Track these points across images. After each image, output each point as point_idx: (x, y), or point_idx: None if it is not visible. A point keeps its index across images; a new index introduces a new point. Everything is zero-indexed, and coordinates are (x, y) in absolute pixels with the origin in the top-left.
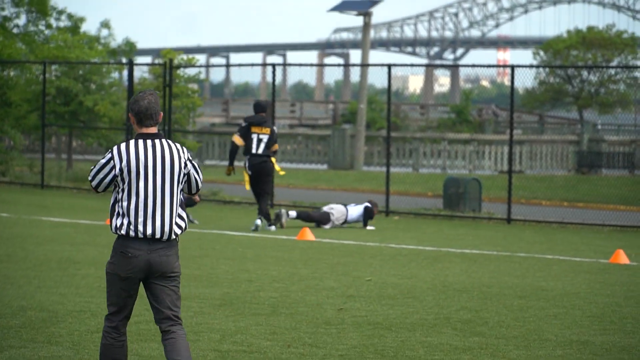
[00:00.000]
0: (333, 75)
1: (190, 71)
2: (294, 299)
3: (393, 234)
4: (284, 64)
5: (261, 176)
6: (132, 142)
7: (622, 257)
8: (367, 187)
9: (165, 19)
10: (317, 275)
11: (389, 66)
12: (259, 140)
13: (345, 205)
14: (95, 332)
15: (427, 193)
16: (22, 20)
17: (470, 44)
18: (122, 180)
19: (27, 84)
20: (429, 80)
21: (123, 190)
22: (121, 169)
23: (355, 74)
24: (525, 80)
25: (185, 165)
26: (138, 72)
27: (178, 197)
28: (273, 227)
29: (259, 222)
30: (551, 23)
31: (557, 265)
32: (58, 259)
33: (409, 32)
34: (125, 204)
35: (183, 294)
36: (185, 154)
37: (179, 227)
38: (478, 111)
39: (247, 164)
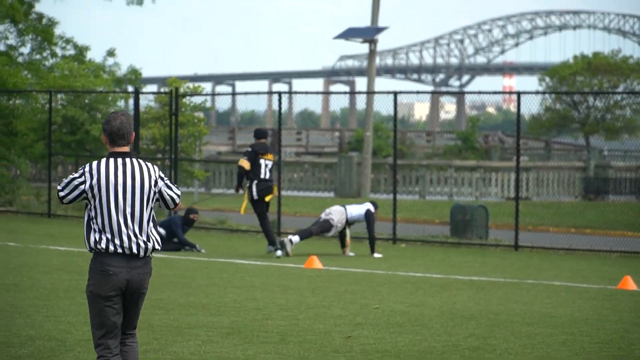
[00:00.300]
0: (339, 102)
1: (196, 99)
2: (302, 327)
3: (400, 261)
4: (290, 92)
5: (266, 198)
6: (103, 160)
7: (630, 284)
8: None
9: (170, 47)
10: (325, 303)
11: (395, 93)
12: (266, 166)
13: (343, 205)
14: None
15: (434, 220)
16: (27, 48)
17: (476, 70)
18: (93, 196)
19: (33, 112)
20: (435, 107)
21: (95, 208)
22: (91, 186)
23: (361, 102)
24: (531, 106)
25: (156, 183)
26: (144, 101)
27: (150, 214)
28: (279, 252)
29: (279, 252)
30: (557, 49)
31: (564, 292)
32: (66, 288)
33: (414, 59)
34: (99, 220)
35: (191, 323)
36: (156, 172)
37: (154, 245)
38: (484, 138)
39: (255, 189)
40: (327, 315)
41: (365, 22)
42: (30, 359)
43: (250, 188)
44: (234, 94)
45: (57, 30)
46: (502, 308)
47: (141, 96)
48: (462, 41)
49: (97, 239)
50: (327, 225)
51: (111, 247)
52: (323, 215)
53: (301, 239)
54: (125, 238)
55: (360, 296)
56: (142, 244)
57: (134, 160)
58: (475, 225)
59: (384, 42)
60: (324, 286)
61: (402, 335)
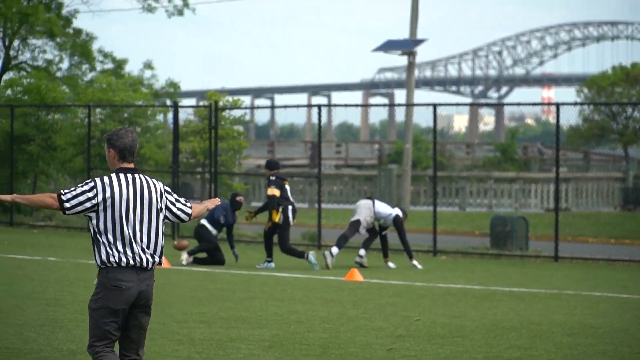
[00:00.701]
0: (378, 115)
1: (236, 113)
2: (343, 339)
3: (441, 273)
4: (329, 105)
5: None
6: (114, 175)
7: None
8: (414, 227)
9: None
10: (366, 315)
11: (435, 105)
12: (286, 191)
13: (371, 198)
14: None
15: (474, 232)
16: (65, 63)
17: (515, 82)
18: (104, 209)
19: (72, 127)
20: (474, 119)
21: (105, 222)
22: (104, 199)
23: (400, 114)
24: (570, 117)
25: (162, 196)
26: (183, 114)
27: (159, 227)
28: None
29: (312, 257)
30: (594, 60)
31: (604, 303)
32: None
33: (453, 71)
34: (110, 234)
35: (232, 336)
36: (161, 186)
37: (160, 258)
38: (523, 149)
39: (291, 214)
40: (369, 327)
41: (403, 34)
42: None
43: (285, 212)
44: (273, 107)
45: (96, 45)
46: (543, 319)
47: (180, 110)
48: (500, 53)
49: (108, 253)
50: (356, 225)
51: (124, 260)
52: (352, 219)
53: (339, 248)
54: (137, 250)
55: (401, 308)
56: (150, 257)
57: (141, 175)
58: (516, 237)
59: (422, 54)
60: (364, 298)
61: (444, 347)
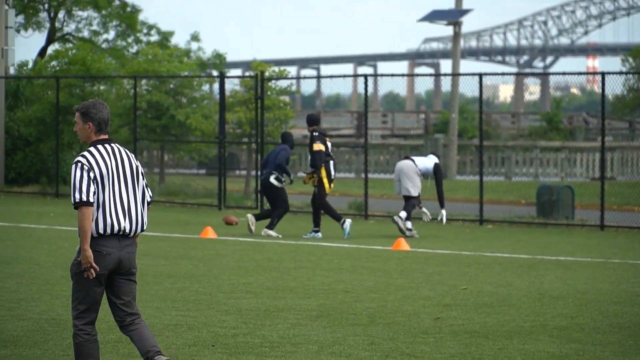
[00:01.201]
0: (424, 85)
1: (282, 83)
2: (390, 308)
3: (487, 242)
4: (375, 75)
5: None
6: (93, 149)
7: None
8: (460, 196)
9: (255, 31)
10: (413, 284)
11: (481, 75)
12: (328, 147)
13: (409, 158)
14: (193, 346)
15: (520, 201)
16: (110, 35)
17: (560, 51)
18: (94, 182)
19: (118, 98)
20: (519, 89)
21: (97, 194)
22: (100, 175)
23: (446, 84)
24: (615, 87)
25: (137, 167)
26: (229, 85)
27: (141, 195)
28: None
29: (347, 225)
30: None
31: None
32: (153, 273)
33: (498, 41)
34: (100, 206)
35: (279, 306)
36: (136, 159)
37: (143, 225)
38: (569, 119)
39: (332, 169)
40: (416, 296)
41: (449, 4)
42: (119, 344)
43: (328, 168)
44: (319, 77)
45: (141, 17)
46: (589, 287)
47: (226, 80)
48: (545, 23)
49: (97, 222)
50: (411, 199)
51: (108, 230)
52: (403, 192)
53: (407, 216)
54: (121, 219)
55: (448, 277)
56: (132, 225)
57: (117, 145)
58: (562, 206)
59: (468, 24)
60: (411, 268)
61: (491, 316)
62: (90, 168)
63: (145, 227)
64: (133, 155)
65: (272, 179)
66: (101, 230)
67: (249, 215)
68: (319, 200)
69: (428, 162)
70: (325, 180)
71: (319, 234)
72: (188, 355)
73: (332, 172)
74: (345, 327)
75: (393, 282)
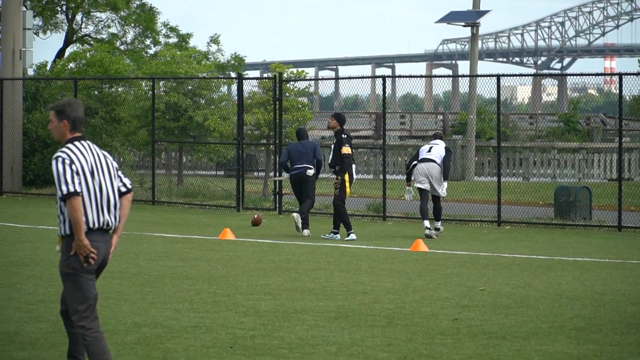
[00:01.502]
0: (442, 86)
1: (300, 84)
2: (409, 310)
3: (505, 243)
4: (394, 76)
5: None
6: (71, 145)
7: None
8: (478, 197)
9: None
10: (432, 286)
11: (498, 76)
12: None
13: (431, 160)
14: (211, 347)
15: (538, 202)
16: (129, 37)
17: (577, 52)
18: (78, 177)
19: (136, 100)
20: (537, 90)
21: (79, 184)
22: (78, 168)
23: (464, 85)
24: (632, 88)
25: (112, 162)
26: (247, 86)
27: (117, 189)
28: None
29: (353, 236)
30: None
31: None
32: (171, 275)
33: (516, 42)
34: (85, 201)
35: (298, 307)
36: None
37: (117, 219)
38: (586, 120)
39: (354, 174)
40: (434, 298)
41: (467, 5)
42: (137, 346)
43: (350, 172)
44: (337, 78)
45: (161, 19)
46: (607, 288)
47: (244, 82)
48: (563, 24)
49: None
50: (436, 199)
51: (96, 224)
52: (422, 186)
53: (437, 220)
54: (105, 214)
55: (466, 278)
56: (112, 219)
57: (90, 143)
58: (579, 207)
59: (485, 25)
60: (429, 269)
61: (509, 317)
62: (72, 162)
63: (117, 223)
64: (107, 153)
65: (309, 172)
66: (90, 224)
67: (295, 215)
68: (337, 202)
69: (441, 150)
70: (347, 184)
71: (337, 236)
72: (206, 357)
73: (354, 176)
74: (364, 328)
75: (411, 284)
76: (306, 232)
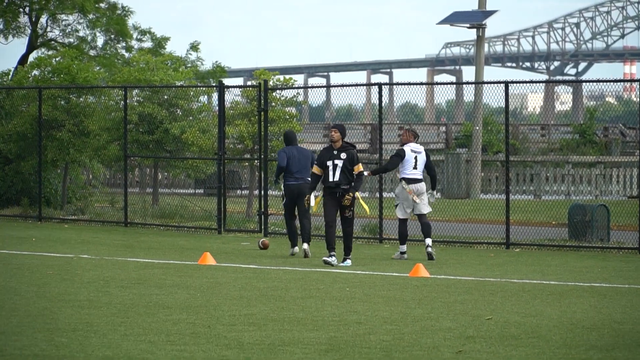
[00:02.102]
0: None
1: (287, 93)
2: (407, 341)
3: (514, 267)
4: (391, 83)
5: None
6: None
7: None
8: (484, 217)
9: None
10: (433, 315)
11: (507, 83)
12: None
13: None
14: None
15: (550, 222)
16: (99, 42)
17: (594, 57)
18: None
19: (106, 111)
20: (550, 98)
21: None
22: None
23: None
24: None
25: None
26: (229, 95)
27: None
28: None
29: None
30: None
31: None
32: (146, 304)
33: (526, 46)
34: None
35: (285, 339)
36: None
37: None
38: (604, 130)
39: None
40: (435, 328)
41: (472, 5)
42: None
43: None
44: (328, 86)
45: (131, 20)
46: (627, 317)
47: (226, 90)
48: (578, 25)
49: None
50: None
51: None
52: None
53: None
54: None
55: (471, 306)
56: None
57: None
58: (596, 227)
59: (493, 27)
60: (431, 296)
61: (518, 349)
62: None
63: None
64: None
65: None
66: None
67: (305, 247)
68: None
69: (424, 158)
70: (362, 202)
71: (349, 262)
72: None
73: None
74: (358, 348)
75: (410, 313)
76: (306, 246)
